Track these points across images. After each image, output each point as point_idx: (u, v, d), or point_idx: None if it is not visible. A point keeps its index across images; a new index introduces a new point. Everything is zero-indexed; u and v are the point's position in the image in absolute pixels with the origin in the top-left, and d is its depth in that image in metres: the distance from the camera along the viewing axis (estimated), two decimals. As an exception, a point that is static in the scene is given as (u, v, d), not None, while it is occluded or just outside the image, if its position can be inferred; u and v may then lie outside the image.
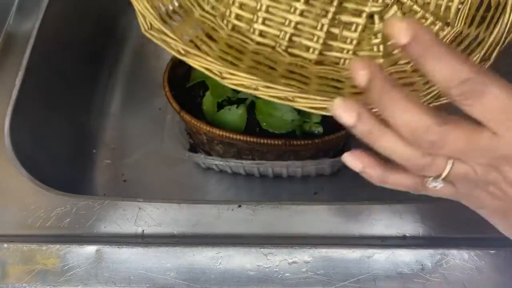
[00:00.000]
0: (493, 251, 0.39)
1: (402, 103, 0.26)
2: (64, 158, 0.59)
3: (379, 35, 0.42)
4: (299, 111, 0.49)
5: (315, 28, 0.43)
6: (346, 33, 0.43)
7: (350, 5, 0.42)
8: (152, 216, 0.44)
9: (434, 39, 0.25)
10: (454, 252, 0.40)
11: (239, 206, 0.44)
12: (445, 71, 0.25)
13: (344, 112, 0.27)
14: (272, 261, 0.40)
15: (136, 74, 0.72)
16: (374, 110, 0.27)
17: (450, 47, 0.26)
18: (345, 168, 0.61)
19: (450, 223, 0.42)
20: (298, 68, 0.41)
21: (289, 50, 0.43)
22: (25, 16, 0.59)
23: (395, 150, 0.28)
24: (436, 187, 0.29)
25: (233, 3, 0.43)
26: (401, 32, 0.24)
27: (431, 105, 0.34)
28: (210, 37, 0.41)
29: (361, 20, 0.42)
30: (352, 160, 0.30)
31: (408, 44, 0.24)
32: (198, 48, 0.38)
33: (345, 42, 0.43)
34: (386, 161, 0.29)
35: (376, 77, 0.26)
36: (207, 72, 0.34)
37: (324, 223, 0.43)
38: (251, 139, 0.47)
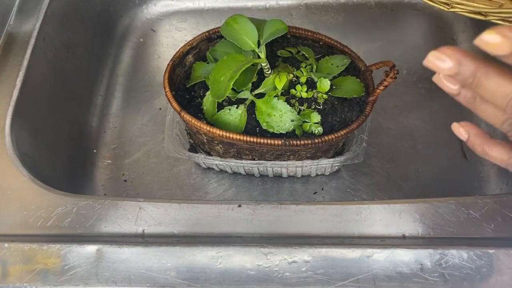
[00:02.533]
0: (492, 251, 0.39)
1: (496, 76, 0.29)
2: (65, 158, 0.59)
3: None
4: (299, 112, 0.50)
5: None
6: None
7: None
8: (152, 216, 0.44)
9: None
10: (453, 251, 0.40)
11: (239, 206, 0.44)
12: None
13: (448, 84, 0.31)
14: (272, 261, 0.40)
15: (136, 74, 0.72)
16: None
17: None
18: (344, 168, 0.62)
19: (449, 222, 0.42)
20: None
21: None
22: (25, 16, 0.59)
23: (493, 114, 0.31)
24: None
25: None
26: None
27: None
28: None
29: None
30: (459, 129, 0.35)
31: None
32: None
33: None
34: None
35: (467, 60, 0.29)
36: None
37: (323, 222, 0.43)
38: (251, 139, 0.47)
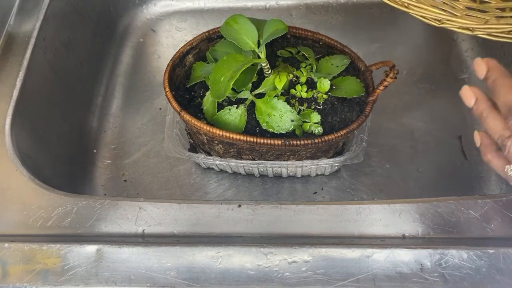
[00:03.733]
0: (492, 251, 0.39)
1: (507, 87, 0.35)
2: (65, 158, 0.59)
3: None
4: (299, 112, 0.50)
5: None
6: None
7: None
8: (152, 216, 0.44)
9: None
10: (453, 251, 0.40)
11: (239, 206, 0.44)
12: None
13: (467, 96, 0.38)
14: (272, 261, 0.40)
15: (136, 74, 0.72)
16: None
17: None
18: (344, 168, 0.62)
19: (449, 222, 0.42)
20: None
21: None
22: (25, 16, 0.59)
23: (493, 125, 0.37)
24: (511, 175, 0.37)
25: None
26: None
27: None
28: None
29: None
30: (477, 137, 0.40)
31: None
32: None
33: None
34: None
35: (493, 70, 0.36)
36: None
37: (323, 222, 0.43)
38: (251, 139, 0.47)
